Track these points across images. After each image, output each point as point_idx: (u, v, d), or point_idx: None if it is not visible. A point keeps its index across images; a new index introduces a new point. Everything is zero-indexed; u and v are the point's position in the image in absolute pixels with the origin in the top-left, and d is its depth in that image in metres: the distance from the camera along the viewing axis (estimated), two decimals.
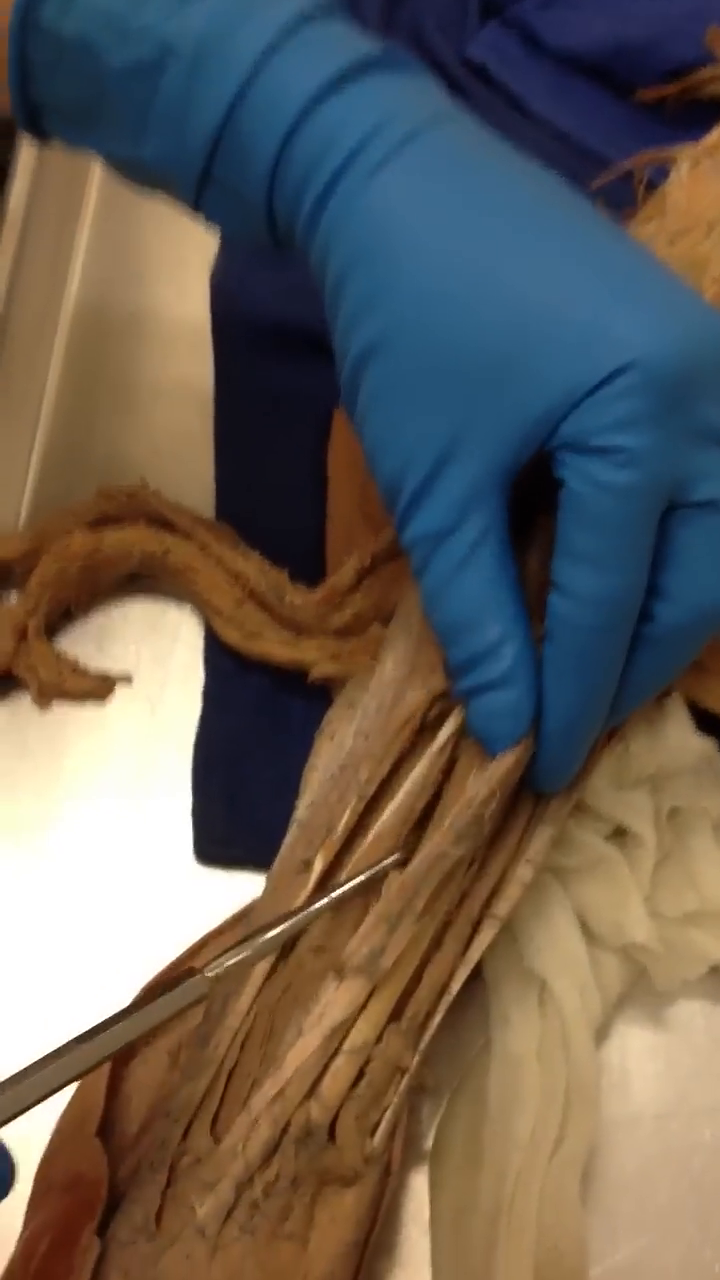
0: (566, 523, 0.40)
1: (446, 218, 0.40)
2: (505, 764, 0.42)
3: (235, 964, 0.40)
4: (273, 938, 0.41)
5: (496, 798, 0.42)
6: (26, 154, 0.67)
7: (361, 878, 0.42)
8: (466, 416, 0.40)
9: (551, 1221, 0.44)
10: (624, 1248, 0.46)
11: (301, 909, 0.42)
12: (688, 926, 0.49)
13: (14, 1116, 0.36)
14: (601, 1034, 0.49)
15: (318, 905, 0.42)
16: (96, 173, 0.68)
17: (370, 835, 0.44)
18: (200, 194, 0.44)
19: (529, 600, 0.43)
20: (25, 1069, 0.37)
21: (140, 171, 0.45)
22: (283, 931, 0.41)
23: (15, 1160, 0.36)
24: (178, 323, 0.64)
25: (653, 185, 0.58)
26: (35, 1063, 0.37)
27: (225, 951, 0.40)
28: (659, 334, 0.39)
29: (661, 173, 0.58)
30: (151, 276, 0.66)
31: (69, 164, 0.67)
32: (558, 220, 0.41)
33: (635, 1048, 0.49)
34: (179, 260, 0.65)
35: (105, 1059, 0.38)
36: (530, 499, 0.43)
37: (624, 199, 0.59)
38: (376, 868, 0.42)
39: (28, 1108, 0.36)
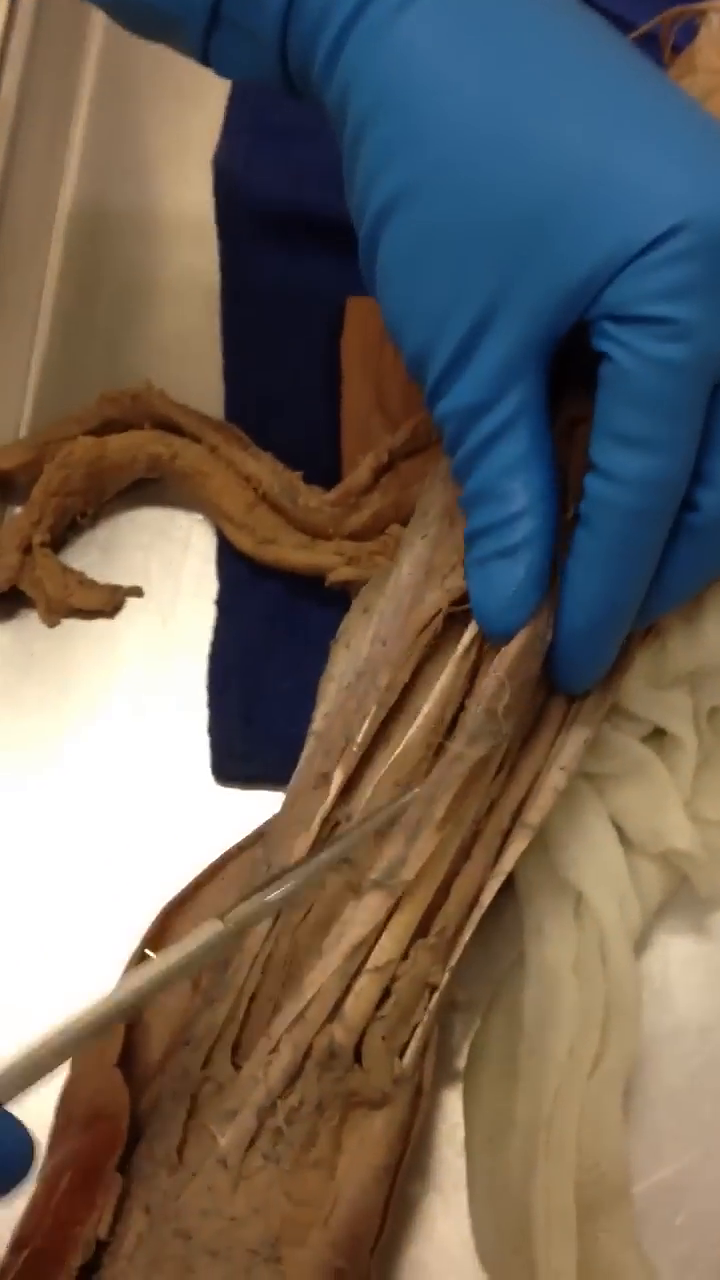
0: (608, 400, 0.37)
1: (484, 55, 0.37)
2: (511, 652, 0.39)
3: (254, 911, 0.38)
4: (296, 882, 0.39)
5: (507, 690, 0.39)
6: (18, 42, 0.63)
7: (383, 814, 0.40)
8: (502, 278, 0.37)
9: (592, 1140, 0.42)
10: (669, 1164, 0.44)
11: (325, 840, 0.40)
12: None
13: (30, 1085, 0.35)
14: (641, 944, 0.47)
15: (348, 838, 0.40)
16: (92, 59, 0.64)
17: (400, 747, 0.42)
18: (209, 36, 0.41)
19: (562, 479, 0.40)
20: (44, 1037, 0.35)
21: (145, 16, 0.42)
22: (308, 870, 0.39)
23: (36, 1139, 0.35)
24: (181, 215, 0.61)
25: (678, 48, 0.54)
26: (55, 1029, 0.35)
27: (247, 897, 0.38)
28: (714, 192, 0.35)
29: (690, 34, 0.54)
30: (152, 167, 0.62)
31: (63, 51, 0.64)
32: (606, 64, 0.37)
33: (677, 957, 0.47)
34: (180, 149, 0.62)
35: (119, 1018, 0.36)
36: (563, 372, 0.40)
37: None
38: (404, 798, 0.40)
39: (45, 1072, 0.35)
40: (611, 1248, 0.41)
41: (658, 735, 0.47)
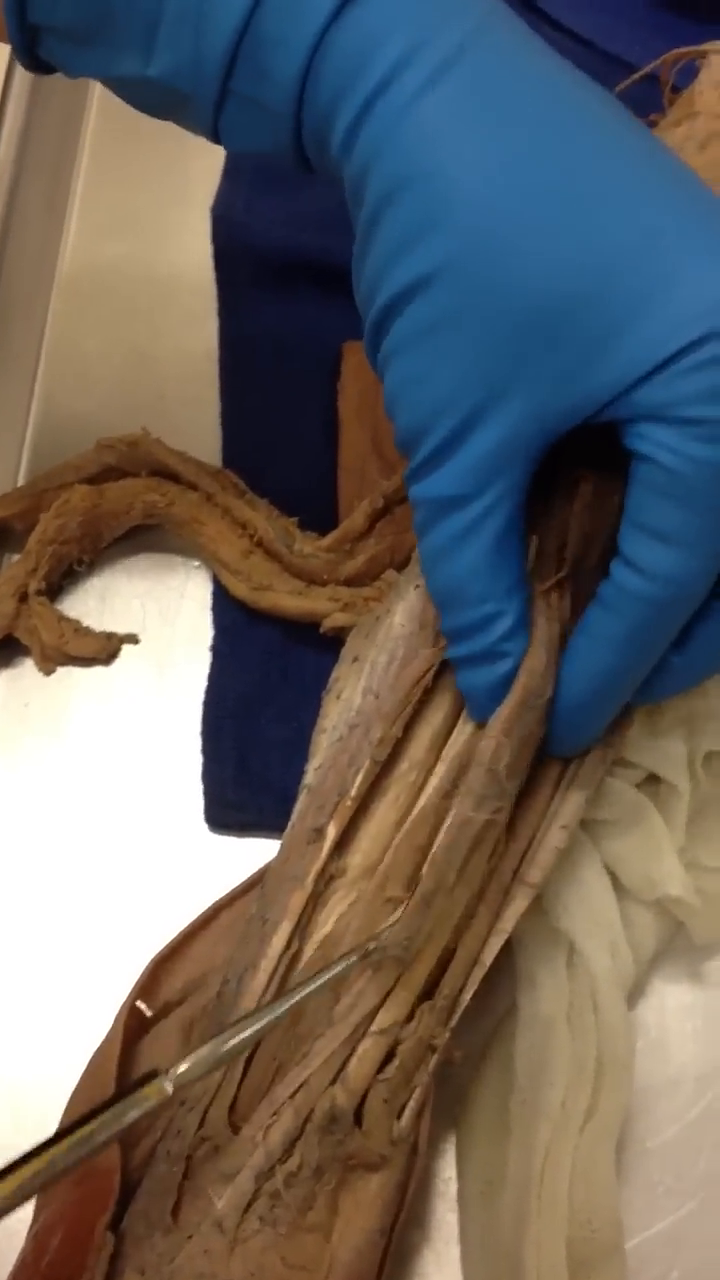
0: (642, 495, 0.36)
1: (512, 141, 0.35)
2: (504, 712, 0.39)
3: (196, 1067, 0.36)
4: (244, 1040, 0.37)
5: (506, 749, 0.39)
6: (17, 99, 0.63)
7: (344, 964, 0.38)
8: (510, 372, 0.35)
9: (584, 1196, 0.41)
10: (664, 1218, 0.43)
11: (268, 1004, 0.38)
12: None
13: None
14: (637, 993, 0.46)
15: (290, 1002, 0.38)
16: (93, 106, 0.64)
17: (415, 811, 0.41)
18: (219, 112, 0.39)
19: (544, 530, 0.40)
20: None
21: (151, 93, 0.40)
22: (256, 1031, 0.37)
23: None
24: (179, 262, 0.61)
25: (679, 89, 0.53)
26: None
27: (195, 1050, 0.37)
28: None
29: (689, 76, 0.53)
30: (151, 214, 0.62)
31: (63, 105, 0.63)
32: (629, 151, 0.36)
33: (673, 1006, 0.46)
34: (180, 196, 0.61)
35: (56, 1177, 0.34)
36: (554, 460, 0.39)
37: (650, 105, 0.55)
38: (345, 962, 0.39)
39: None
40: None
41: (652, 781, 0.46)
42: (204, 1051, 0.36)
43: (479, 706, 0.39)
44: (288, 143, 0.39)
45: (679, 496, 0.35)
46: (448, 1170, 0.43)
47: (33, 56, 0.41)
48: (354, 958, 0.38)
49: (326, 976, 0.38)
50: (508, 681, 0.38)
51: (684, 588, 0.37)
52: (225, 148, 0.41)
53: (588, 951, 0.43)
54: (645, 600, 0.37)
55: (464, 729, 0.41)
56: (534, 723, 0.39)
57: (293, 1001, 0.37)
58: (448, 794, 0.40)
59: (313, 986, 0.38)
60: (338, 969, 0.38)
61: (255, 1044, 0.39)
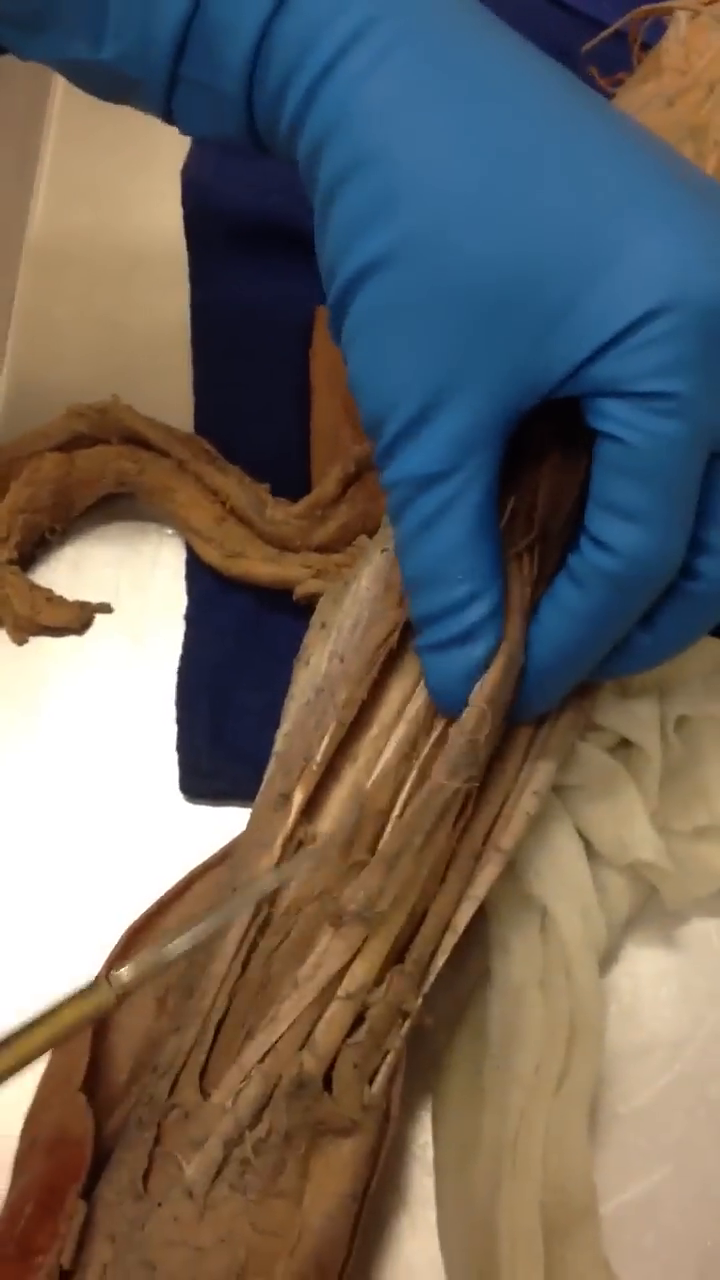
0: (604, 474, 0.35)
1: (465, 116, 0.35)
2: (490, 681, 0.38)
3: (144, 970, 0.36)
4: (191, 935, 0.37)
5: (488, 719, 0.38)
6: None
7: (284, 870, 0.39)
8: (474, 346, 0.35)
9: (557, 1161, 0.41)
10: (639, 1182, 0.43)
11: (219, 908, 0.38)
12: (698, 841, 0.45)
13: None
14: (610, 959, 0.46)
15: (234, 902, 0.38)
16: (60, 82, 0.63)
17: (375, 774, 0.40)
18: (170, 95, 0.38)
19: (517, 495, 0.39)
20: None
21: (102, 77, 0.39)
22: (203, 929, 0.37)
23: None
24: (150, 228, 0.60)
25: (648, 47, 0.53)
26: None
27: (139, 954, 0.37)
28: (705, 266, 0.34)
29: (658, 33, 0.52)
30: (121, 180, 0.62)
31: (30, 73, 0.62)
32: (589, 123, 0.35)
33: (646, 972, 0.46)
34: (149, 162, 0.61)
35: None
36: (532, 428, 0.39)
37: (619, 63, 0.54)
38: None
39: None
40: (578, 1268, 0.40)
41: (624, 746, 0.46)
42: (145, 956, 0.36)
43: (449, 697, 0.39)
44: (241, 126, 0.38)
45: (640, 473, 0.35)
46: (423, 1135, 0.43)
47: None
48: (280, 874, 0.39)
49: (252, 889, 0.38)
50: (480, 667, 0.38)
51: (650, 566, 0.36)
52: (180, 131, 0.40)
53: (560, 916, 0.43)
54: (611, 577, 0.36)
55: (423, 690, 0.41)
56: (509, 691, 0.39)
57: (229, 909, 0.38)
58: (407, 756, 0.40)
59: (243, 898, 0.38)
60: (264, 883, 0.38)
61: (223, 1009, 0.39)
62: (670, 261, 0.33)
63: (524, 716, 0.40)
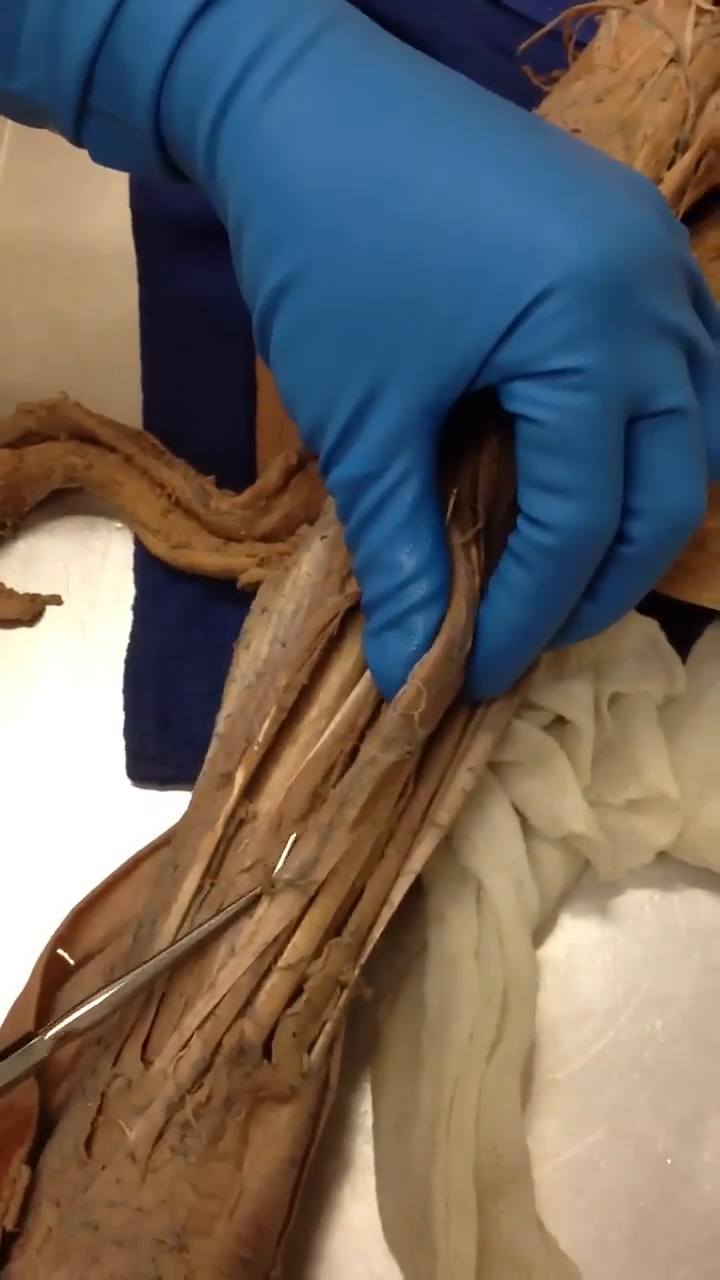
0: (527, 453, 0.37)
1: (351, 138, 0.36)
2: (428, 661, 0.39)
3: (76, 1020, 0.39)
4: (123, 987, 0.39)
5: (424, 697, 0.40)
6: None
7: (228, 912, 0.40)
8: (391, 353, 0.37)
9: (490, 1124, 0.42)
10: (574, 1145, 0.44)
11: (157, 954, 0.40)
12: (630, 814, 0.47)
13: None
14: (547, 929, 0.47)
15: (175, 948, 0.40)
16: None
17: (312, 753, 0.42)
18: (80, 126, 0.40)
19: (458, 487, 0.41)
20: None
21: (14, 104, 0.41)
22: (132, 980, 0.39)
23: None
24: (101, 228, 0.61)
25: (582, 45, 0.55)
26: None
27: (73, 1009, 0.39)
28: (587, 238, 0.35)
29: (592, 32, 0.54)
30: (70, 189, 0.62)
31: None
32: (471, 125, 0.37)
33: (582, 941, 0.47)
34: (97, 171, 0.60)
35: None
36: (465, 418, 0.40)
37: (555, 61, 0.56)
38: (242, 899, 0.40)
39: None
40: (512, 1228, 0.41)
41: (558, 723, 0.47)
42: (84, 1008, 0.39)
43: (389, 678, 0.40)
44: (152, 158, 0.40)
45: (560, 448, 0.36)
46: (364, 1104, 0.44)
47: None
48: (229, 911, 0.40)
49: (198, 934, 0.40)
50: (419, 649, 0.39)
51: (586, 535, 0.37)
52: (95, 161, 0.42)
53: (493, 888, 0.44)
54: (551, 552, 0.38)
55: (367, 675, 0.42)
56: (453, 674, 0.40)
57: (168, 955, 0.40)
58: (343, 736, 0.41)
59: (186, 942, 0.40)
60: (212, 923, 0.40)
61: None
62: (556, 243, 0.35)
63: (482, 696, 0.42)
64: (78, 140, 0.41)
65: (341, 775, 0.41)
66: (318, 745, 0.42)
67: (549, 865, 0.46)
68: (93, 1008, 0.39)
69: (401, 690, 0.40)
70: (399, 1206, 0.42)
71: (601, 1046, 0.45)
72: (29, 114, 0.42)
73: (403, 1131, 0.43)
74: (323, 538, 0.45)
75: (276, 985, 0.40)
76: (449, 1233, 0.40)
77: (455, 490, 0.41)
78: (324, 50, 0.37)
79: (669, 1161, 0.44)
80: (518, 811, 0.46)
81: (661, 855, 0.47)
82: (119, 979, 0.39)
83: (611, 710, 0.47)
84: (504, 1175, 0.41)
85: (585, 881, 0.47)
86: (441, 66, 0.39)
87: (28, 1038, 0.38)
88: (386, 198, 0.36)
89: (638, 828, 0.46)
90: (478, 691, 0.42)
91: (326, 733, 0.42)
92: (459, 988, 0.43)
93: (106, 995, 0.39)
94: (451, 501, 0.41)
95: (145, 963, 0.40)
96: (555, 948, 0.47)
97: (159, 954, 0.40)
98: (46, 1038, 0.38)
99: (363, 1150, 0.44)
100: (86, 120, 0.40)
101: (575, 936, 0.47)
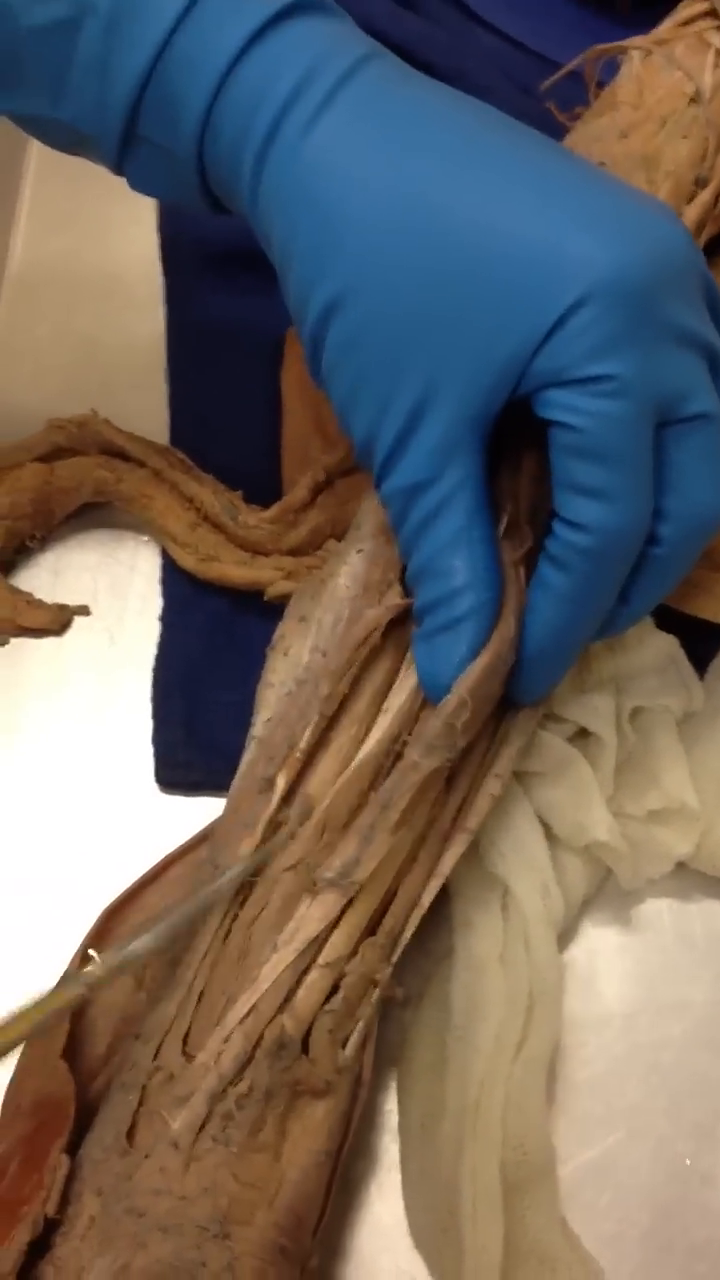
0: (564, 458, 0.39)
1: (388, 164, 0.38)
2: (474, 672, 0.41)
3: (114, 964, 0.40)
4: (163, 926, 0.40)
5: (468, 707, 0.41)
6: None
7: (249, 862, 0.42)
8: (436, 365, 0.38)
9: (516, 1123, 0.43)
10: (594, 1145, 0.45)
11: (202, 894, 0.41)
12: (651, 824, 0.48)
13: None
14: (568, 935, 0.48)
15: (215, 887, 0.41)
16: None
17: (357, 760, 0.43)
18: (123, 155, 0.42)
19: (503, 508, 0.42)
20: None
21: (59, 133, 0.43)
22: (176, 920, 0.41)
23: None
24: (129, 251, 0.63)
25: (603, 84, 0.56)
26: None
27: (132, 938, 0.40)
28: (615, 250, 0.37)
29: (613, 72, 0.56)
30: (98, 214, 0.64)
31: None
32: (500, 149, 0.39)
33: (603, 948, 0.48)
34: (125, 196, 0.60)
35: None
36: (511, 425, 0.42)
37: (576, 99, 0.57)
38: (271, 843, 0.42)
39: None
40: (537, 1224, 0.42)
41: (582, 735, 0.48)
42: (115, 951, 0.40)
43: (436, 684, 0.41)
44: (192, 186, 0.42)
45: (593, 452, 0.38)
46: (390, 1104, 0.45)
47: None
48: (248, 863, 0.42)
49: (227, 877, 0.41)
50: (466, 655, 0.40)
51: (620, 535, 0.39)
52: (134, 189, 0.44)
53: (520, 893, 0.45)
54: (587, 553, 0.39)
55: (407, 685, 0.43)
56: (496, 685, 0.41)
57: (204, 896, 0.41)
58: (390, 745, 0.42)
59: (222, 881, 0.41)
60: (235, 871, 0.42)
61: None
62: (585, 252, 0.37)
63: (526, 699, 0.43)
64: (119, 168, 0.43)
65: (383, 780, 0.42)
66: (361, 754, 0.43)
67: (572, 873, 0.47)
68: (152, 933, 0.40)
69: (446, 699, 0.41)
70: (425, 1203, 0.43)
71: (621, 1050, 0.46)
72: (72, 142, 0.43)
73: (429, 1130, 0.44)
74: (359, 551, 0.46)
75: (316, 982, 0.41)
76: (476, 1228, 0.41)
77: (506, 512, 0.43)
78: (361, 84, 0.39)
79: (687, 1162, 0.45)
80: (541, 820, 0.47)
81: (680, 865, 0.48)
82: (173, 910, 0.40)
83: (633, 724, 0.48)
84: (530, 1172, 0.42)
85: (606, 890, 0.48)
86: (470, 98, 0.41)
87: (86, 960, 0.39)
88: (423, 219, 0.38)
89: (658, 837, 0.47)
90: (521, 694, 0.43)
91: (372, 740, 0.43)
92: (485, 991, 0.44)
93: (163, 924, 0.40)
94: (505, 520, 0.42)
95: (201, 893, 0.41)
96: (576, 953, 0.48)
97: (216, 885, 0.41)
98: (105, 963, 0.39)
99: (389, 1148, 0.45)
100: (130, 149, 0.42)
101: (596, 943, 0.48)
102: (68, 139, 0.43)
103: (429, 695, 0.41)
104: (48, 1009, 0.39)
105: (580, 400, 0.37)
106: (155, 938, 0.40)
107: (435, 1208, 0.43)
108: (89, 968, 0.39)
